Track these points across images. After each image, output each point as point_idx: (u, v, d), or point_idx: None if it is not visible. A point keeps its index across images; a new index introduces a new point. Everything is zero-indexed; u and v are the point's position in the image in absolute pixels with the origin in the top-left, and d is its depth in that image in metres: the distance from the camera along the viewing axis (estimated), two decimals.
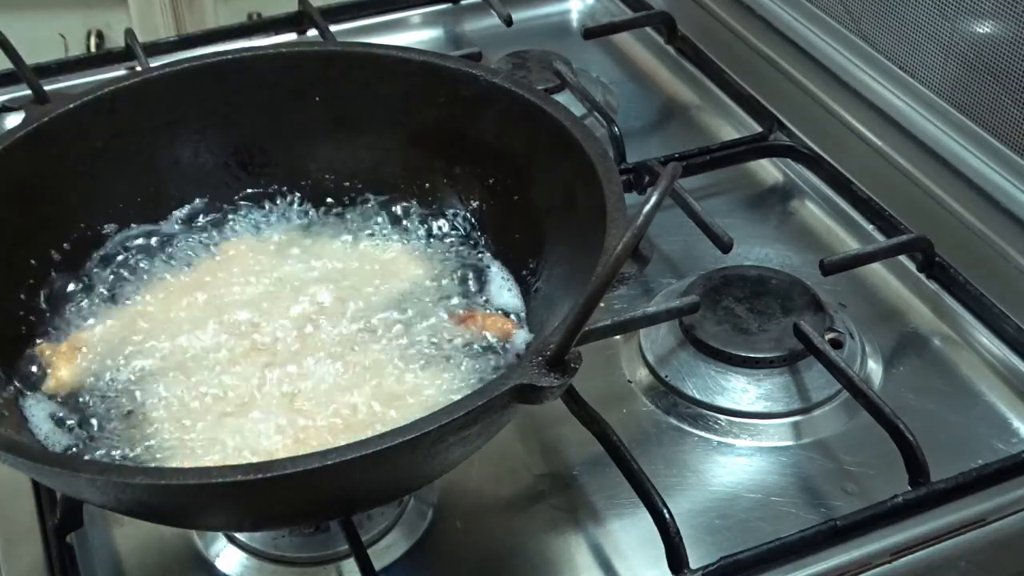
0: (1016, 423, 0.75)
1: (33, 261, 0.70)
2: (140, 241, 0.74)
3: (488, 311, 0.70)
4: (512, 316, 0.70)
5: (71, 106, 0.72)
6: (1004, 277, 0.84)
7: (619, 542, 0.69)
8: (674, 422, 0.76)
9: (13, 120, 0.96)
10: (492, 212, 0.74)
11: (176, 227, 0.76)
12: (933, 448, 0.69)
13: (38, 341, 0.68)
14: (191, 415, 0.64)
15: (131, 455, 0.63)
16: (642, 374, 0.79)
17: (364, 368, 0.66)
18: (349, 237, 0.76)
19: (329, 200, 0.77)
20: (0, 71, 1.01)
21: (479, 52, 1.06)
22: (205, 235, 0.76)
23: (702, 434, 0.75)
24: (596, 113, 0.96)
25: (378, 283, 0.72)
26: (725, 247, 0.83)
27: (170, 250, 0.74)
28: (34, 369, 0.67)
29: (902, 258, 0.85)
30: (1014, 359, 0.78)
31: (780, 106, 1.00)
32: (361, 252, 0.75)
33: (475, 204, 0.75)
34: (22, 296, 0.69)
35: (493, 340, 0.68)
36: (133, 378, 0.67)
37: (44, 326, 0.69)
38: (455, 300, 0.71)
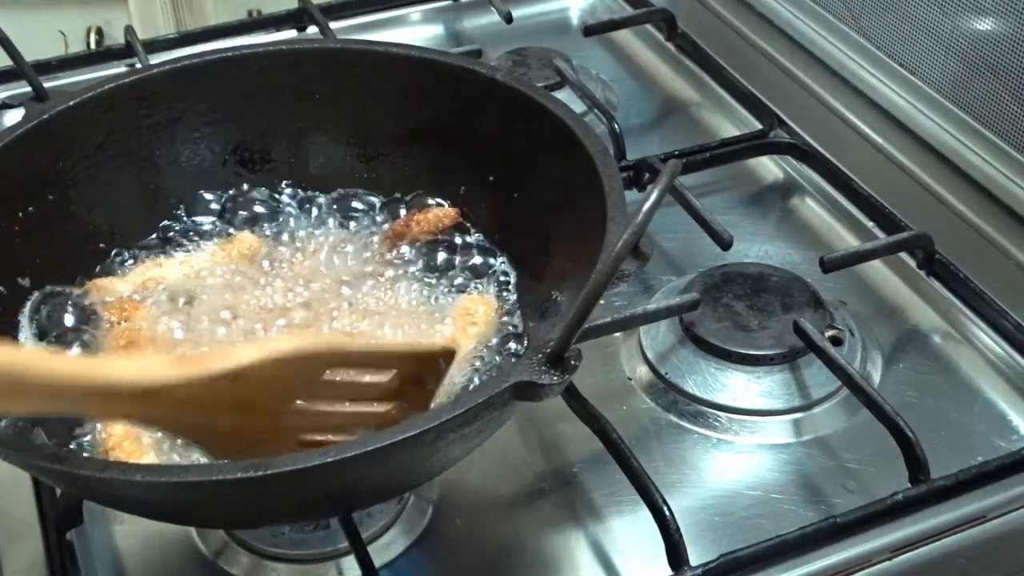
0: (1016, 420, 0.75)
1: (37, 259, 0.70)
2: (139, 240, 0.74)
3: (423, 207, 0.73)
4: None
5: (71, 103, 0.71)
6: (1004, 274, 0.84)
7: (619, 539, 0.69)
8: (674, 419, 0.76)
9: (13, 117, 0.95)
10: (492, 209, 0.74)
11: (176, 225, 0.76)
12: (933, 445, 0.69)
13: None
14: None
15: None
16: (642, 371, 0.79)
17: None
18: (348, 233, 0.76)
19: (328, 196, 0.77)
20: (0, 68, 1.01)
21: (479, 49, 1.06)
22: (205, 233, 0.75)
23: (702, 431, 0.75)
24: (596, 110, 0.96)
25: (377, 280, 0.72)
26: (725, 244, 0.83)
27: (170, 248, 0.74)
28: None
29: (902, 255, 0.85)
30: (1014, 356, 0.78)
31: (780, 103, 1.00)
32: (360, 249, 0.75)
33: (475, 201, 0.75)
34: (22, 295, 0.69)
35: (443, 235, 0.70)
36: None
37: None
38: (452, 298, 0.71)
